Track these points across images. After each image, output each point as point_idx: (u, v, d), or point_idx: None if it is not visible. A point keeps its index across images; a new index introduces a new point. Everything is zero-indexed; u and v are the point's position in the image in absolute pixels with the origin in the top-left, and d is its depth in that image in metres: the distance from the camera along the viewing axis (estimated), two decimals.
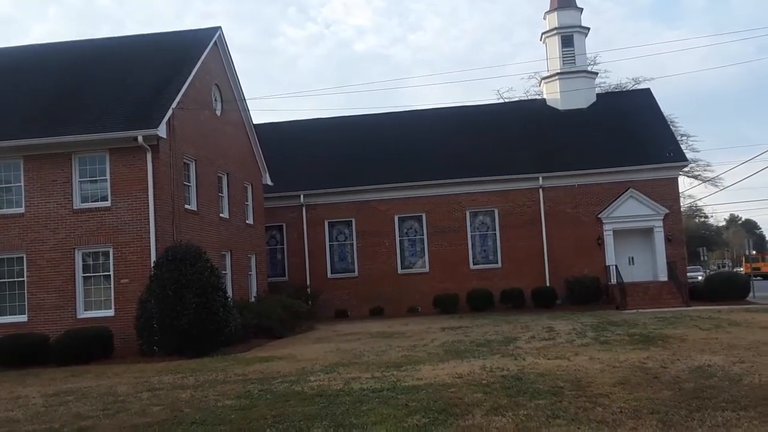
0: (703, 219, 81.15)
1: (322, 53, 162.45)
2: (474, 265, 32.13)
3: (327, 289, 32.14)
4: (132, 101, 22.13)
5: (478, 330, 21.32)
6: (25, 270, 21.03)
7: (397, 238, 32.60)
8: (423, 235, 32.53)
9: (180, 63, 23.73)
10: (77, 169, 21.13)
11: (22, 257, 21.09)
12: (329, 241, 32.98)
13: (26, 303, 20.95)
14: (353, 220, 32.79)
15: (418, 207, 32.49)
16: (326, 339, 21.63)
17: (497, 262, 32.02)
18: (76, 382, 14.95)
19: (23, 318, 20.83)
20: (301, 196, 32.68)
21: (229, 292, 22.99)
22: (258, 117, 29.47)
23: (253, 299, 27.10)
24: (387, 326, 24.87)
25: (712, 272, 56.72)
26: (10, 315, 21.01)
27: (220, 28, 26.03)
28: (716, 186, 49.30)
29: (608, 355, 13.98)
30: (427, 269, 32.32)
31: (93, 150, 21.02)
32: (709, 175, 49.79)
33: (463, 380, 11.82)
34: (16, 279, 21.14)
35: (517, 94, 49.36)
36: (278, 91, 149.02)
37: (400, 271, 32.45)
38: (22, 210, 21.19)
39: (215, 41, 25.57)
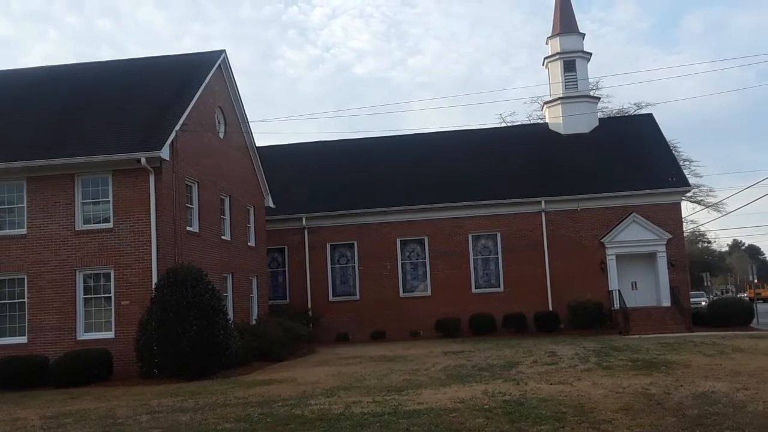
0: (706, 244, 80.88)
1: (322, 76, 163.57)
2: (476, 289, 32.00)
3: (328, 312, 32.01)
4: (135, 123, 22.20)
5: (480, 354, 21.19)
6: (26, 291, 20.98)
7: (399, 262, 32.53)
8: (425, 258, 32.45)
9: (184, 85, 23.81)
10: (80, 190, 21.16)
11: (23, 278, 21.05)
12: (331, 264, 32.91)
13: (26, 324, 20.87)
14: (355, 243, 32.73)
15: (420, 230, 32.45)
16: (327, 362, 21.50)
17: (499, 287, 31.89)
18: (74, 404, 14.84)
19: (23, 339, 20.74)
20: (303, 218, 32.68)
21: (230, 315, 22.89)
22: (259, 140, 29.54)
23: (254, 322, 26.97)
24: (388, 350, 24.73)
25: (715, 298, 56.44)
26: (10, 336, 20.92)
27: (224, 51, 26.13)
28: (719, 211, 49.13)
29: (611, 381, 13.87)
30: (429, 293, 32.19)
31: (96, 171, 21.07)
32: (712, 200, 49.70)
33: (465, 405, 11.72)
34: (16, 300, 21.08)
35: (520, 118, 49.58)
36: (278, 113, 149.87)
37: (402, 294, 32.32)
38: (24, 231, 21.18)
39: (219, 64, 25.66)
